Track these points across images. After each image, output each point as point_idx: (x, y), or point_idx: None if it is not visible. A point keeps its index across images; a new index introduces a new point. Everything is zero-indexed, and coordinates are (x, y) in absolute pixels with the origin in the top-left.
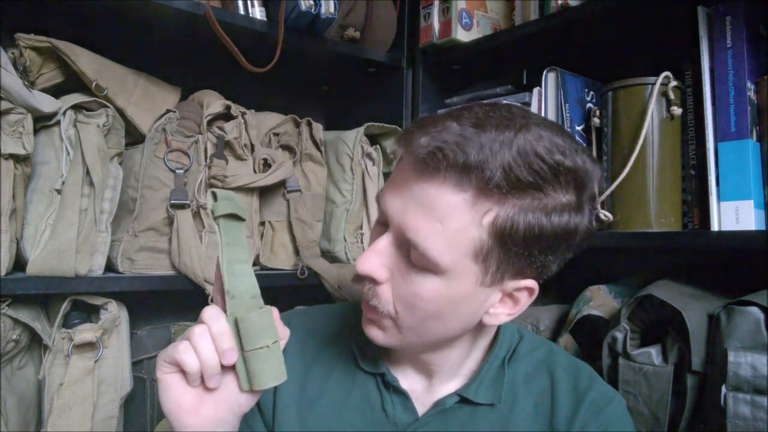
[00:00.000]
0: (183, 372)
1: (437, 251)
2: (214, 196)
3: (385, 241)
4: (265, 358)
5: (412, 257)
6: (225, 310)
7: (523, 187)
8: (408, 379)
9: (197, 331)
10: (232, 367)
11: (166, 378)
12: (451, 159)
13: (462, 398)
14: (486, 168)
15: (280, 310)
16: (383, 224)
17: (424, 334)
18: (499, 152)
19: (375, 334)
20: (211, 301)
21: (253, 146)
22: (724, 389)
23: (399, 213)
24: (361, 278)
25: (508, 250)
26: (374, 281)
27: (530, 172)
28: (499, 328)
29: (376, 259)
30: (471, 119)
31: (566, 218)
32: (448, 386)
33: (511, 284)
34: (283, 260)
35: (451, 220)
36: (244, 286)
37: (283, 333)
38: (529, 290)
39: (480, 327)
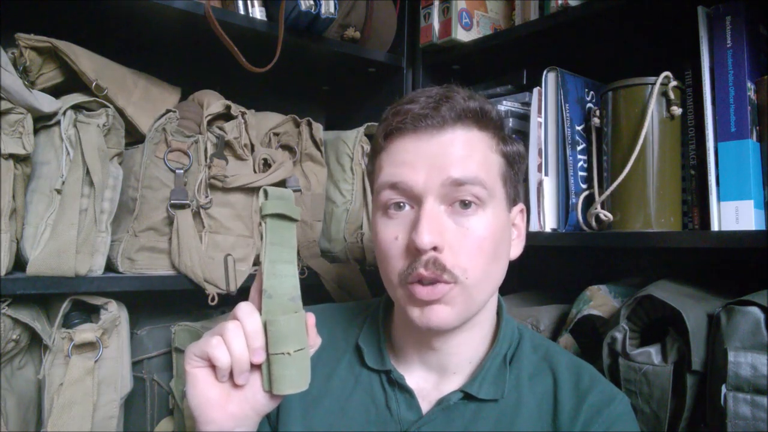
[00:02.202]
0: (212, 367)
1: (484, 174)
2: (266, 193)
3: (429, 208)
4: (284, 365)
5: (462, 198)
6: (260, 309)
7: (497, 123)
8: (415, 377)
9: (231, 327)
10: (260, 366)
11: (195, 372)
12: (454, 105)
13: (465, 395)
14: (480, 106)
15: None
16: (400, 204)
17: (488, 284)
18: (473, 99)
19: (445, 315)
20: (212, 301)
21: (253, 146)
22: (724, 389)
23: (430, 174)
24: (418, 254)
25: (511, 171)
26: (438, 249)
27: (496, 113)
28: (499, 323)
29: (435, 226)
30: (430, 89)
31: (521, 145)
32: (453, 383)
33: (513, 212)
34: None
35: (476, 151)
36: (283, 287)
37: (314, 341)
38: (522, 211)
39: (492, 302)
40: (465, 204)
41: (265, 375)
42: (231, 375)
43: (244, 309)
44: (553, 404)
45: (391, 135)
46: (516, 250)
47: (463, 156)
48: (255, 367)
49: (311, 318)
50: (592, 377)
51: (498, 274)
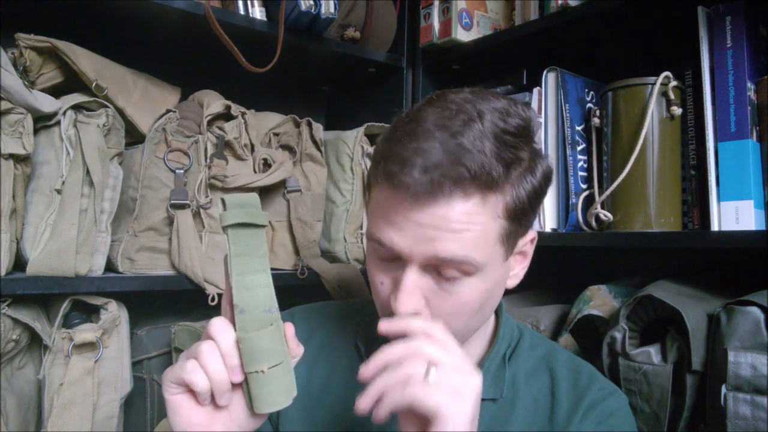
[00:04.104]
0: (191, 391)
1: (476, 255)
2: (224, 203)
3: (411, 277)
4: (260, 383)
5: (447, 273)
6: (234, 324)
7: (510, 164)
8: None
9: (204, 348)
10: (242, 384)
11: (175, 399)
12: (455, 177)
13: None
14: (485, 169)
15: (280, 310)
16: (387, 259)
17: (469, 331)
18: (483, 149)
19: None
20: (212, 301)
21: (253, 146)
22: (724, 389)
23: (417, 246)
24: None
25: (521, 221)
26: (416, 312)
27: (509, 148)
28: (498, 323)
29: (413, 298)
30: (436, 127)
31: (543, 165)
32: None
33: (520, 243)
34: (283, 260)
35: (472, 225)
36: (256, 299)
37: (296, 351)
38: (532, 241)
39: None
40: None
41: (246, 393)
42: (212, 396)
43: (217, 325)
44: (550, 402)
45: (386, 178)
46: (515, 280)
47: (455, 231)
48: (237, 385)
49: (290, 328)
50: (590, 375)
51: (482, 320)
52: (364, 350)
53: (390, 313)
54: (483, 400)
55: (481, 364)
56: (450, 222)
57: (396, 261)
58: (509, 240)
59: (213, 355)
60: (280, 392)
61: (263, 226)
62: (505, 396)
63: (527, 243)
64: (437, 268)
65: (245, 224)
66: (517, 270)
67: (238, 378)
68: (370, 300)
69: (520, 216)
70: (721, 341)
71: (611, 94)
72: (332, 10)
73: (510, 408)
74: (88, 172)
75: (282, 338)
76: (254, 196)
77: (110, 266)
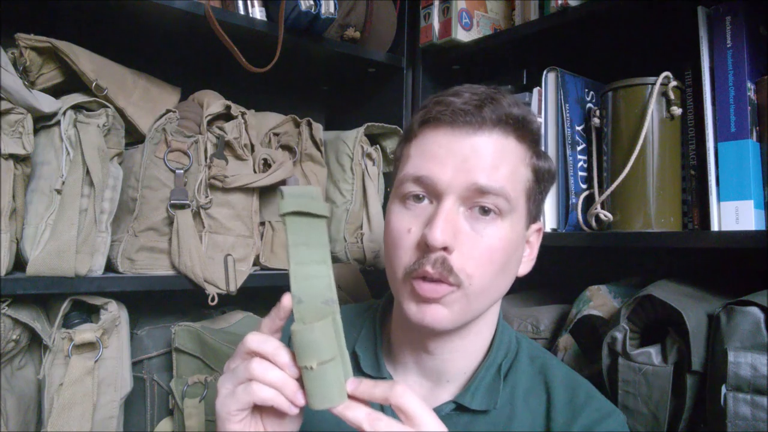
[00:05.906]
0: (254, 411)
1: (510, 188)
2: (281, 193)
3: (449, 207)
4: (310, 379)
5: (484, 201)
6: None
7: (535, 136)
8: (410, 383)
9: (254, 365)
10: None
11: (241, 425)
12: (499, 111)
13: (458, 406)
14: (523, 115)
15: None
16: (419, 197)
17: (489, 295)
18: (517, 106)
19: (441, 315)
20: (212, 301)
21: (253, 146)
22: (724, 389)
23: (457, 174)
24: (428, 251)
25: (538, 189)
26: (448, 250)
27: (537, 124)
28: (496, 330)
29: (450, 227)
30: (477, 87)
31: (550, 163)
32: (447, 391)
33: (530, 229)
34: (283, 260)
35: (507, 162)
36: (315, 289)
37: None
38: (539, 231)
39: (492, 313)
40: (485, 210)
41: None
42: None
43: (254, 339)
44: (546, 419)
45: (427, 123)
46: (525, 267)
47: (493, 164)
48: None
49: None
50: (588, 394)
51: (502, 286)
52: (362, 357)
53: (411, 271)
54: (476, 412)
55: (476, 375)
56: (487, 155)
57: (427, 202)
58: (530, 203)
59: (265, 366)
60: (332, 389)
61: (323, 217)
62: (502, 411)
63: (534, 232)
64: (472, 202)
65: (303, 213)
66: (525, 258)
67: (294, 372)
68: (372, 303)
69: (540, 183)
70: (721, 341)
71: (611, 94)
72: (332, 10)
73: (507, 424)
74: (88, 172)
75: (337, 333)
76: (316, 189)
77: (110, 266)
